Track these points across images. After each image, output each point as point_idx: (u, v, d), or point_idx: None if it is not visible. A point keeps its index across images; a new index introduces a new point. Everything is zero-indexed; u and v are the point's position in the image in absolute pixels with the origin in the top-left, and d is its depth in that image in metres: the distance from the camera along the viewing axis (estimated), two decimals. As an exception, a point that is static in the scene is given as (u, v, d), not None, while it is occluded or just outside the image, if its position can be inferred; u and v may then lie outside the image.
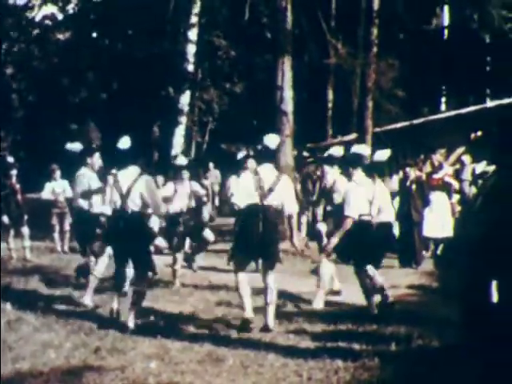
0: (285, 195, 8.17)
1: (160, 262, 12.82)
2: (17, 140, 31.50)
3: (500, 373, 5.74)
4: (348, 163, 9.31)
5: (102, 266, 9.34)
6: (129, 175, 8.14)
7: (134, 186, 8.06)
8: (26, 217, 14.08)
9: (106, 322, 8.01)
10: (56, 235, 15.63)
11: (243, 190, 8.05)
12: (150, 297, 9.47)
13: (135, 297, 7.98)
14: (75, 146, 9.74)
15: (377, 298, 8.95)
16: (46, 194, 15.57)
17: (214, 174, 22.89)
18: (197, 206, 11.52)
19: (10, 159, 14.54)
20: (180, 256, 11.18)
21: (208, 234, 11.60)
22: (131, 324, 7.80)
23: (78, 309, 8.90)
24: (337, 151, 10.59)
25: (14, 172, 14.06)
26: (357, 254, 8.82)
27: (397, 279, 11.11)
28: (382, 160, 9.80)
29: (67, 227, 15.51)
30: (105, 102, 31.20)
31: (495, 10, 23.22)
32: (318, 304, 9.41)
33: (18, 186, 14.02)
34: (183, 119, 22.80)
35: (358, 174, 9.03)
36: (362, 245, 8.72)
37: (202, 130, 28.48)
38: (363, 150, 9.46)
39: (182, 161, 11.75)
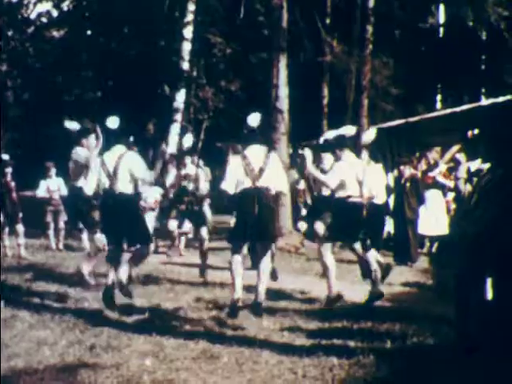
0: (275, 174, 8.20)
1: (156, 259, 12.89)
2: (12, 138, 31.43)
3: (496, 370, 5.76)
4: (334, 145, 9.32)
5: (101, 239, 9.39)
6: (114, 155, 8.26)
7: (119, 163, 8.20)
8: (20, 214, 14.06)
9: (101, 320, 8.02)
10: (51, 233, 15.62)
11: (234, 177, 8.07)
12: (144, 294, 9.50)
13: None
14: (73, 125, 9.75)
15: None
16: (41, 191, 15.55)
17: (204, 172, 22.76)
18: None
19: (5, 157, 14.52)
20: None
21: (204, 232, 11.55)
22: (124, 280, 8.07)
23: (73, 306, 8.88)
24: (331, 134, 10.61)
25: (9, 170, 14.06)
26: (349, 234, 8.89)
27: (392, 277, 11.10)
28: (370, 140, 9.81)
29: (62, 225, 15.50)
30: (100, 100, 31.15)
31: (491, 8, 23.24)
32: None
33: (12, 184, 14.01)
34: (178, 117, 22.79)
35: (346, 154, 9.04)
36: (354, 225, 8.75)
37: (197, 127, 28.45)
38: (348, 130, 9.46)
39: (187, 142, 11.81)
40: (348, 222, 8.78)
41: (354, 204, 8.85)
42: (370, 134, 9.98)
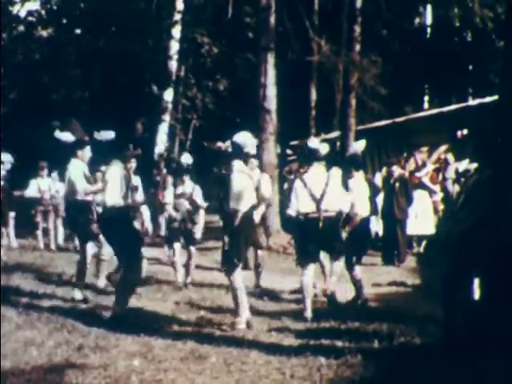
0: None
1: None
2: (-1, 137, 31.25)
3: (482, 370, 5.78)
4: (350, 164, 9.37)
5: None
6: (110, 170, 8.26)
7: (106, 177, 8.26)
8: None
9: (89, 320, 8.00)
10: (39, 233, 15.52)
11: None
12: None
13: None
14: (66, 136, 9.63)
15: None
16: (32, 190, 15.42)
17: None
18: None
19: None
20: (178, 246, 11.12)
21: (193, 250, 11.31)
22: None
23: (61, 306, 8.86)
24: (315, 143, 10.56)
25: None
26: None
27: (379, 277, 11.16)
28: (358, 151, 9.75)
29: (51, 225, 15.42)
30: (88, 99, 31.08)
31: (478, 9, 23.30)
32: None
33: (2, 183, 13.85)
34: (167, 117, 22.76)
35: (313, 168, 8.93)
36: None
37: (185, 127, 28.44)
38: (315, 144, 9.30)
39: (187, 160, 11.53)
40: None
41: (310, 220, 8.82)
42: (359, 145, 9.92)
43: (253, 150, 8.13)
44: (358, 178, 9.55)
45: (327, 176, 8.74)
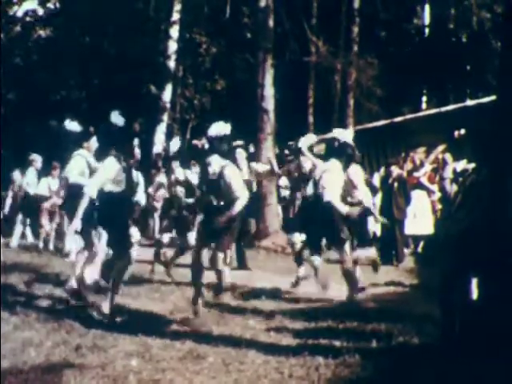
0: None
1: (140, 258, 12.84)
2: (-4, 137, 31.18)
3: (480, 370, 5.79)
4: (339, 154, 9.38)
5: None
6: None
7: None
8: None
9: (87, 320, 7.99)
10: (43, 231, 15.46)
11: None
12: (130, 294, 9.47)
13: None
14: (74, 126, 9.64)
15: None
16: (41, 189, 15.35)
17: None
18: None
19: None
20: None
21: (192, 238, 11.32)
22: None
23: (59, 307, 8.85)
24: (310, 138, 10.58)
25: None
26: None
27: (377, 276, 11.13)
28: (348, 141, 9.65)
29: (54, 226, 15.40)
30: (86, 99, 31.05)
31: (476, 9, 23.37)
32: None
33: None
34: (165, 117, 22.77)
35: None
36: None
37: (183, 127, 28.41)
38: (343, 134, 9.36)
39: (174, 146, 11.59)
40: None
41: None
42: (347, 133, 9.84)
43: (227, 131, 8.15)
44: (355, 169, 9.57)
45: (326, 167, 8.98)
